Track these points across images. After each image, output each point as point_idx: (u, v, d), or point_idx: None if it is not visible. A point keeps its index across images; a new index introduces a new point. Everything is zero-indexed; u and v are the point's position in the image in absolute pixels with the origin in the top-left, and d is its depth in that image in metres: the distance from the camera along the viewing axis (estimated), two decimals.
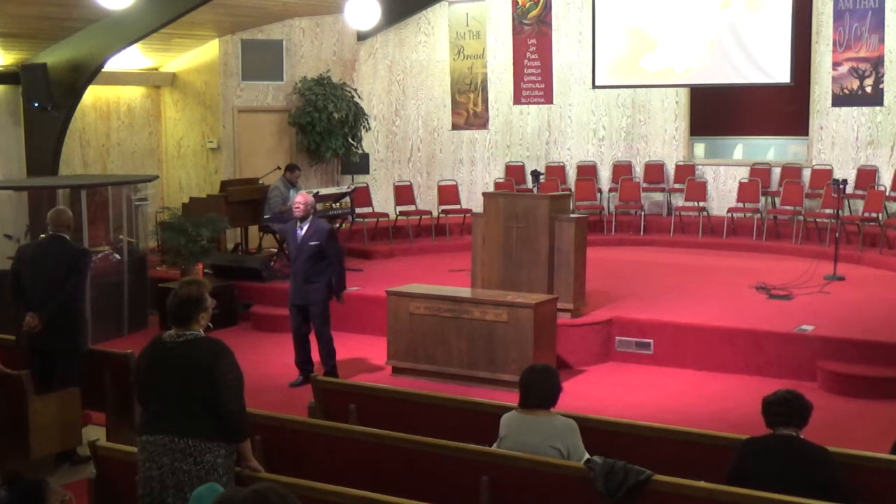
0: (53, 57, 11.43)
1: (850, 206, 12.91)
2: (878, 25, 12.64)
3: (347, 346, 9.39)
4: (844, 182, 11.54)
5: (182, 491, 4.23)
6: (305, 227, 8.35)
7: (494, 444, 4.92)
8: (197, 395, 4.29)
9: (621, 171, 14.67)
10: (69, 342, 6.61)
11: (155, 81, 13.95)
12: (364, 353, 9.34)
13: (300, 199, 8.50)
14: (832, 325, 8.87)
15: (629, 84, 14.36)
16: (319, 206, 11.79)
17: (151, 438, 4.32)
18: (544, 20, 14.49)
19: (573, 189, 14.48)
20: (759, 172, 13.87)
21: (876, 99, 12.88)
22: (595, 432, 5.07)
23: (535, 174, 13.27)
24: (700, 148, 14.81)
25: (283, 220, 11.74)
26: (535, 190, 12.97)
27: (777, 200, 13.60)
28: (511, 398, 5.54)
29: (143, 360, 4.52)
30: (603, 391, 8.29)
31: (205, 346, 4.37)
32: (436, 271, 11.46)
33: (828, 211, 12.43)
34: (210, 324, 4.52)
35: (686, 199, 14.17)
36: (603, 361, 9.12)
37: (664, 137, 14.72)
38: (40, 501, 3.49)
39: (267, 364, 9.15)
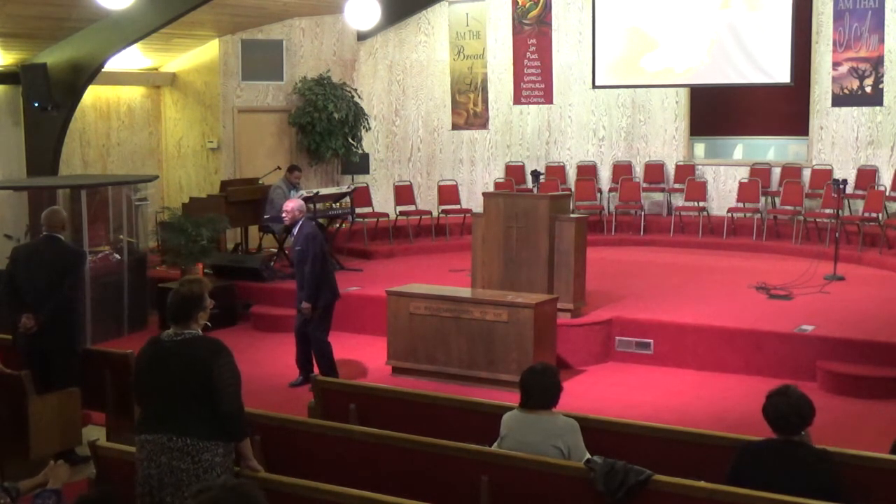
0: (53, 57, 11.43)
1: (850, 206, 12.91)
2: (878, 25, 12.64)
3: (347, 346, 9.39)
4: (844, 182, 11.54)
5: (180, 489, 4.24)
6: (294, 233, 8.38)
7: (495, 444, 4.92)
8: (195, 393, 4.30)
9: (621, 171, 14.67)
10: (65, 343, 6.59)
11: (155, 81, 13.95)
12: (364, 353, 9.35)
13: (287, 206, 8.48)
14: (832, 325, 8.87)
15: (629, 84, 14.36)
16: (320, 206, 11.82)
17: (150, 437, 4.33)
18: (544, 20, 14.49)
19: (573, 189, 14.47)
20: (759, 172, 13.87)
21: (876, 99, 12.87)
22: (595, 432, 5.07)
23: (535, 174, 13.29)
24: (700, 148, 14.80)
25: (282, 221, 11.75)
26: (535, 190, 12.99)
27: (777, 200, 13.60)
28: (511, 398, 5.54)
29: (141, 359, 4.52)
30: (603, 391, 8.29)
31: (203, 345, 4.38)
32: (436, 271, 11.46)
33: (828, 211, 12.42)
34: (208, 323, 4.53)
35: (686, 199, 14.16)
36: (603, 361, 9.12)
37: (664, 137, 14.72)
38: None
39: (267, 364, 9.15)
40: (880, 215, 12.58)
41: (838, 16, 12.93)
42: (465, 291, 9.16)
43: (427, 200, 14.57)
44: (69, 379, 6.49)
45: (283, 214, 8.48)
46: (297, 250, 8.31)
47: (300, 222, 8.37)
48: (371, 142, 14.64)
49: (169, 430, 4.29)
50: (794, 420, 4.41)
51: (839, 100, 13.14)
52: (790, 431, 4.42)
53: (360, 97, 14.17)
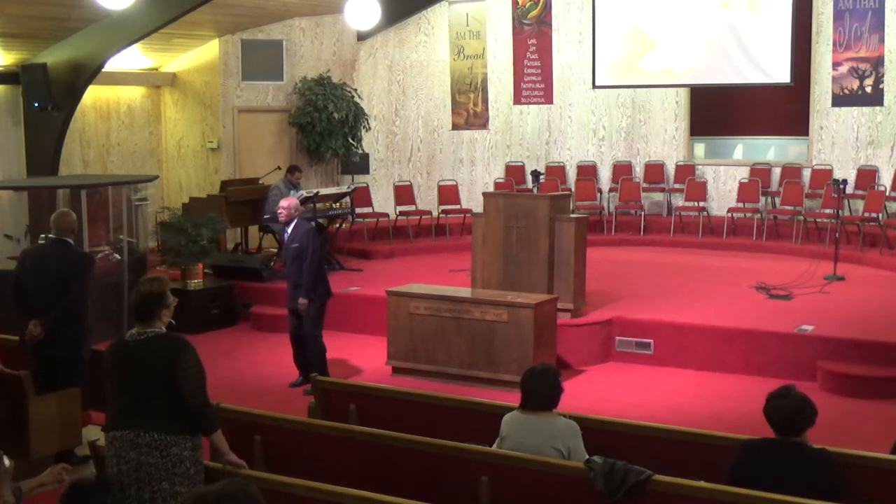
0: (53, 57, 11.43)
1: (850, 206, 12.90)
2: (878, 25, 12.64)
3: (347, 346, 9.39)
4: (844, 182, 11.54)
5: (150, 484, 4.30)
6: (290, 230, 8.38)
7: (495, 444, 4.92)
8: (160, 389, 4.36)
9: (621, 171, 14.67)
10: (72, 350, 6.54)
11: (155, 81, 13.95)
12: (364, 353, 9.34)
13: (283, 203, 8.52)
14: (832, 325, 8.87)
15: (629, 84, 14.35)
16: (320, 206, 11.82)
17: (118, 434, 4.40)
18: (544, 20, 14.49)
19: (573, 189, 14.47)
20: (759, 172, 13.87)
21: (876, 99, 12.88)
22: (595, 432, 5.07)
23: (535, 174, 13.30)
24: (700, 148, 14.80)
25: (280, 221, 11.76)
26: (535, 190, 13.00)
27: (777, 200, 13.60)
28: (511, 398, 5.54)
29: (107, 359, 4.57)
30: (603, 391, 8.29)
31: (166, 342, 4.45)
32: (436, 271, 11.46)
33: (828, 211, 12.42)
34: (172, 320, 4.58)
35: (686, 199, 14.16)
36: (603, 361, 9.12)
37: (664, 137, 14.72)
38: None
39: (267, 364, 9.15)
40: (880, 215, 12.58)
41: (838, 16, 12.93)
42: (465, 291, 9.16)
43: (427, 200, 14.57)
44: (73, 384, 6.47)
45: (279, 211, 8.49)
46: (293, 247, 8.29)
47: (295, 220, 8.39)
48: (371, 142, 14.64)
49: (136, 426, 4.35)
50: (798, 422, 4.41)
51: (839, 100, 13.14)
52: (793, 433, 4.41)
53: (360, 97, 14.17)
